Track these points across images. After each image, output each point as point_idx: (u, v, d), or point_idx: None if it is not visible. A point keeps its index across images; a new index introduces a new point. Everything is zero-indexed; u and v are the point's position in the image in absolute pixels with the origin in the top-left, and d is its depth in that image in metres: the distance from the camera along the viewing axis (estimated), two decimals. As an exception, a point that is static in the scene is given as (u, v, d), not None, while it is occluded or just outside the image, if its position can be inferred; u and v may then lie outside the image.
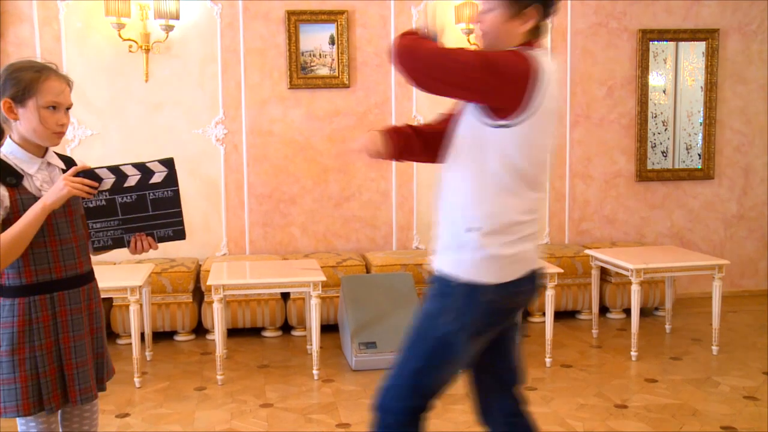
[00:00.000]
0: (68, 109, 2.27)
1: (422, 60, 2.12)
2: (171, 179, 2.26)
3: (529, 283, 2.31)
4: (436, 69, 2.10)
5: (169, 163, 2.26)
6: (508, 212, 2.20)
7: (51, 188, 2.16)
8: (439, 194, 2.38)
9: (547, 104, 2.18)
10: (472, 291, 2.21)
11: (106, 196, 2.25)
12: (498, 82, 2.09)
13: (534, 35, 2.24)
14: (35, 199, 2.16)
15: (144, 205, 2.27)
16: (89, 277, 2.35)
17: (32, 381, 2.18)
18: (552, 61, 2.27)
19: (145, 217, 2.28)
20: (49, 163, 2.28)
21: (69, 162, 2.37)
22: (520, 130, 2.14)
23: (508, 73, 2.10)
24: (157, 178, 2.25)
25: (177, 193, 2.29)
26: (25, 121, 2.17)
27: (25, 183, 2.18)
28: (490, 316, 2.27)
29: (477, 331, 2.26)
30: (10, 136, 2.22)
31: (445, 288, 2.26)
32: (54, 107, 2.20)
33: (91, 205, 2.24)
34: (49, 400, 2.21)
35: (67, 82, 2.27)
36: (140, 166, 2.25)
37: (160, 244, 2.36)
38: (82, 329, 2.29)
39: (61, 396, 2.24)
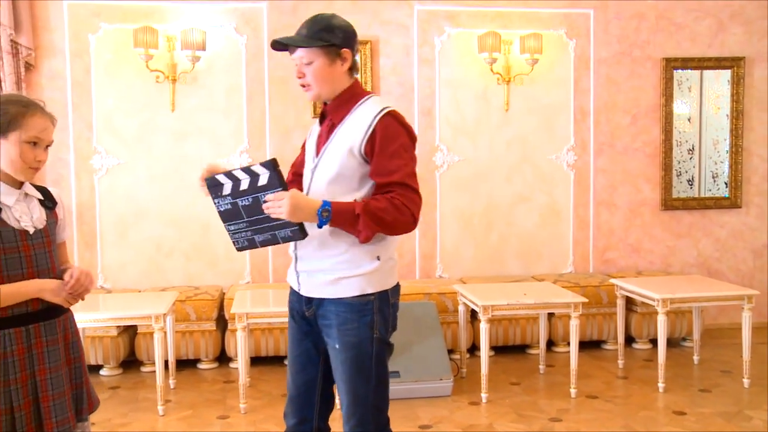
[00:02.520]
0: (48, 146, 2.29)
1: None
2: (275, 180, 2.26)
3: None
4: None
5: (270, 165, 2.26)
6: None
7: (52, 286, 2.22)
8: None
9: None
10: (382, 298, 2.48)
11: (229, 200, 2.32)
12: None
13: (353, 72, 2.49)
14: (14, 231, 2.19)
15: (259, 207, 2.29)
16: (63, 308, 2.33)
17: (6, 415, 2.16)
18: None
19: (265, 219, 2.30)
20: (26, 194, 2.30)
21: (45, 193, 2.38)
22: None
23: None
24: (263, 180, 2.27)
25: None
26: (4, 153, 2.20)
27: (3, 215, 2.20)
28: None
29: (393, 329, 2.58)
30: None
31: (360, 307, 2.43)
32: (35, 143, 2.22)
33: (221, 209, 2.34)
34: None
35: (52, 120, 2.30)
36: (247, 170, 2.29)
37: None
38: (59, 360, 2.27)
39: (36, 429, 2.21)
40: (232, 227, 2.36)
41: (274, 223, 2.30)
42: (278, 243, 2.36)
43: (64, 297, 2.23)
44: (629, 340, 5.57)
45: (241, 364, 4.30)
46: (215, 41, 5.49)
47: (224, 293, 5.38)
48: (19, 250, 2.20)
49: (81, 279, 2.27)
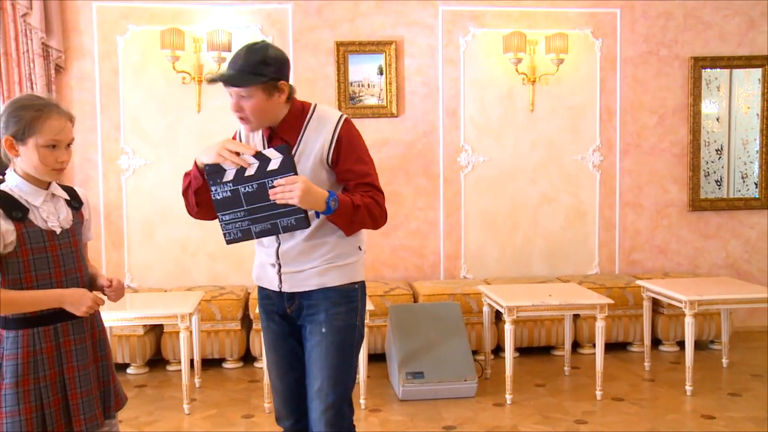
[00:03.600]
0: (69, 144, 2.29)
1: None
2: (287, 165, 2.28)
3: None
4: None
5: (284, 150, 2.29)
6: None
7: (72, 299, 2.21)
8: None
9: None
10: (362, 288, 2.60)
11: (230, 186, 2.32)
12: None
13: (291, 97, 2.54)
14: (41, 231, 2.21)
15: (265, 193, 2.29)
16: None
17: (36, 412, 2.19)
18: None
19: (267, 206, 2.31)
20: (53, 195, 2.32)
21: (72, 193, 2.40)
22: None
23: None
24: (274, 165, 2.28)
25: None
26: (26, 158, 2.22)
27: (31, 216, 2.22)
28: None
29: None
30: (13, 169, 2.27)
31: (348, 294, 2.53)
32: (54, 146, 2.23)
33: (218, 197, 2.33)
34: (53, 430, 2.21)
35: (69, 118, 2.29)
36: (257, 155, 2.30)
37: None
38: (87, 358, 2.30)
39: (66, 426, 2.24)
40: (227, 216, 2.35)
41: (278, 210, 2.30)
42: (278, 233, 2.37)
43: (84, 310, 2.22)
44: (655, 342, 5.51)
45: (265, 363, 4.31)
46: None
47: (249, 293, 5.41)
48: (46, 250, 2.22)
49: (118, 290, 2.32)
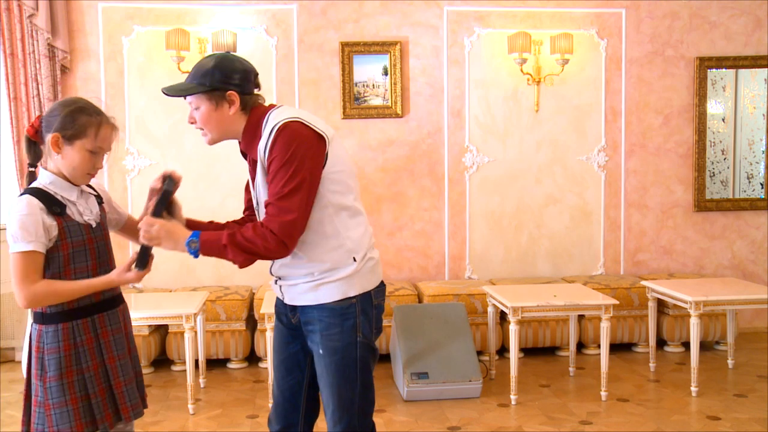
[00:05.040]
0: (106, 153, 2.36)
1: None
2: (158, 204, 2.32)
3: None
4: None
5: (168, 185, 2.35)
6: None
7: (113, 276, 2.28)
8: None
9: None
10: (365, 300, 2.44)
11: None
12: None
13: (250, 108, 2.38)
14: (79, 225, 2.28)
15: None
16: (121, 298, 2.45)
17: (83, 402, 2.25)
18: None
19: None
20: (82, 191, 2.37)
21: (92, 189, 2.46)
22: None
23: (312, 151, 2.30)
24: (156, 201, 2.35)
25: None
26: (67, 159, 2.26)
27: (68, 211, 2.28)
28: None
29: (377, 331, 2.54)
30: (46, 167, 2.30)
31: (343, 311, 2.40)
32: (96, 152, 2.29)
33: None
34: (102, 419, 2.27)
35: (114, 129, 2.36)
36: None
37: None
38: (125, 348, 2.38)
39: (114, 414, 2.30)
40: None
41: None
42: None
43: (133, 276, 2.28)
44: (661, 342, 5.50)
45: (270, 363, 4.32)
46: (246, 43, 5.53)
47: (254, 293, 5.42)
48: (85, 243, 2.29)
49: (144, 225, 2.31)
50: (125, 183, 5.55)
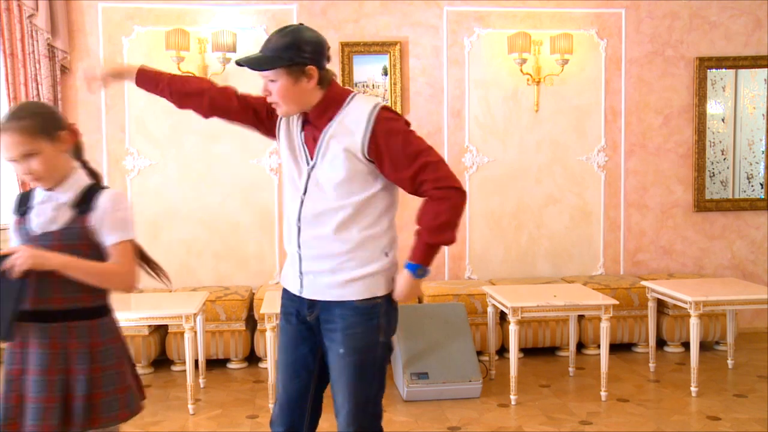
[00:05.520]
0: (30, 156, 2.20)
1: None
2: None
3: None
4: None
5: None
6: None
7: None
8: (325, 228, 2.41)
9: None
10: (389, 301, 2.46)
11: None
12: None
13: (326, 85, 2.41)
14: (27, 230, 2.27)
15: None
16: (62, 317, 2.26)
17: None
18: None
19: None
20: (51, 195, 2.27)
21: (88, 195, 2.29)
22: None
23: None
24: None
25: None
26: None
27: (28, 214, 2.29)
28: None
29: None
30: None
31: (368, 311, 2.40)
32: (10, 160, 2.23)
33: None
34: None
35: (17, 130, 2.18)
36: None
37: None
38: (46, 366, 2.24)
39: (19, 426, 2.24)
40: None
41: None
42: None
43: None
44: (660, 343, 5.50)
45: (270, 364, 4.32)
46: (246, 43, 5.53)
47: (254, 293, 5.41)
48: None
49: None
50: (125, 183, 5.55)
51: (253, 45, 5.56)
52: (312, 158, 2.41)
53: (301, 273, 2.45)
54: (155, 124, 5.55)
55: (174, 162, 5.58)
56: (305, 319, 2.48)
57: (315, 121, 2.41)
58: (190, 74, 5.41)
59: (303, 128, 2.45)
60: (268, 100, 2.40)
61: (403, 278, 2.41)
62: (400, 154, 2.34)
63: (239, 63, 2.36)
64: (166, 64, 5.43)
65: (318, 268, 2.41)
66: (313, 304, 2.44)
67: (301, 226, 2.42)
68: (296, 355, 2.51)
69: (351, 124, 2.35)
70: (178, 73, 5.37)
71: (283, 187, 2.46)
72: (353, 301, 2.38)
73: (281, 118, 2.49)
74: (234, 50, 5.35)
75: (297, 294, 2.48)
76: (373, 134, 2.33)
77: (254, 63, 2.34)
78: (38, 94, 5.22)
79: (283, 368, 2.55)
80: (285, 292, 2.57)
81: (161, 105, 5.48)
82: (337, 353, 2.40)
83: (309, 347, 2.50)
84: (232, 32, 5.34)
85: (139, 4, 5.47)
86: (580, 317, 5.36)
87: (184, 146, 5.58)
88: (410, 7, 5.67)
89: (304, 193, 2.41)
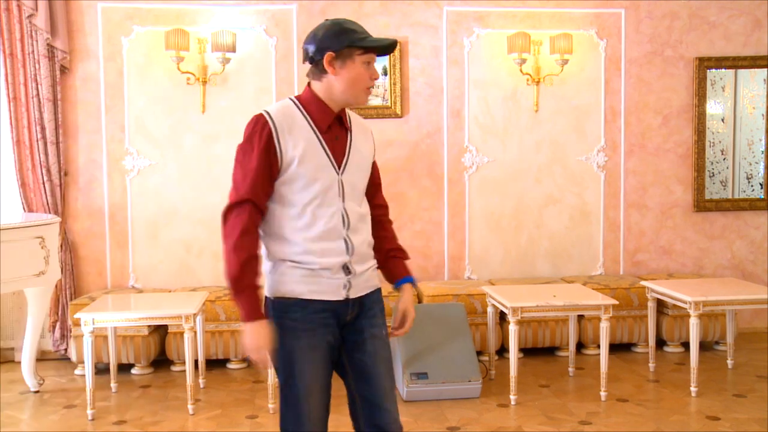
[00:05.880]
0: None
1: None
2: None
3: None
4: None
5: None
6: None
7: None
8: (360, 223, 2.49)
9: None
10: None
11: None
12: None
13: None
14: None
15: None
16: None
17: None
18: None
19: None
20: None
21: None
22: None
23: None
24: None
25: None
26: None
27: None
28: None
29: None
30: None
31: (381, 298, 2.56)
32: None
33: None
34: None
35: None
36: None
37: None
38: None
39: None
40: None
41: None
42: None
43: None
44: (660, 343, 5.50)
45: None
46: (245, 43, 5.53)
47: (253, 293, 5.40)
48: None
49: None
50: (125, 183, 5.55)
51: (252, 45, 5.56)
52: (340, 166, 2.42)
53: (350, 278, 2.37)
54: (155, 124, 5.55)
55: (174, 162, 5.58)
56: (345, 323, 2.41)
57: (343, 123, 2.52)
58: (191, 74, 5.41)
59: (325, 131, 2.45)
60: (375, 83, 2.55)
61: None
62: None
63: (387, 48, 2.55)
64: (165, 64, 5.43)
65: (364, 267, 2.45)
66: (354, 302, 2.41)
67: (349, 234, 2.37)
68: (327, 380, 2.43)
69: (362, 130, 2.59)
70: (178, 73, 5.37)
71: (290, 202, 2.37)
72: (379, 287, 2.54)
73: (276, 143, 2.45)
74: (233, 50, 5.35)
75: (340, 299, 2.37)
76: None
77: (391, 47, 2.56)
78: (38, 94, 5.22)
79: (316, 395, 2.39)
80: (311, 304, 2.34)
81: (161, 105, 5.52)
82: (380, 336, 2.47)
83: (332, 368, 2.46)
84: (231, 32, 5.34)
85: (139, 4, 5.47)
86: (580, 317, 5.36)
87: (183, 146, 5.58)
88: (410, 7, 5.67)
89: (343, 200, 2.39)
